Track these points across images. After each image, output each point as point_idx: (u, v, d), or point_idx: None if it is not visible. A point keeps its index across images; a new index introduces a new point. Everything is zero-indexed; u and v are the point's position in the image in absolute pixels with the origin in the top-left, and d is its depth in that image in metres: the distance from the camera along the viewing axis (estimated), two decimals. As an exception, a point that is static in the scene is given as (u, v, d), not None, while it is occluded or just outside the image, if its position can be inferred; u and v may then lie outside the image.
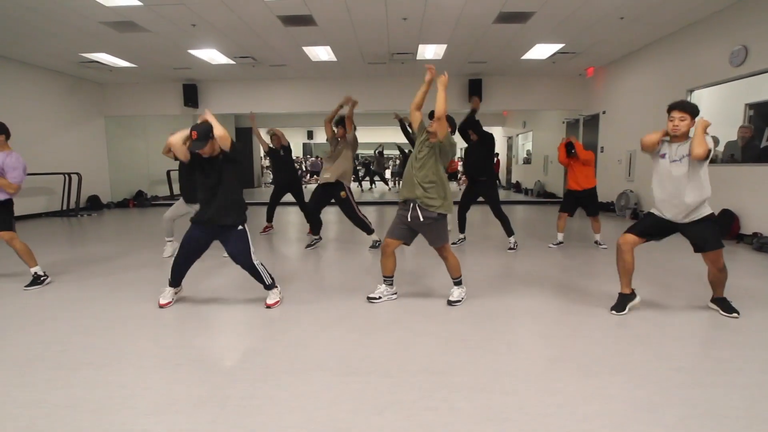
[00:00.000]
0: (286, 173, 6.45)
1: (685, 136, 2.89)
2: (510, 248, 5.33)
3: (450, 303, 3.29)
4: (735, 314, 2.97)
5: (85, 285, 3.96)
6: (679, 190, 2.85)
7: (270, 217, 6.79)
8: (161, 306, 3.26)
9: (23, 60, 8.68)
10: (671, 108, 2.89)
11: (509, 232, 5.36)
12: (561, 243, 5.60)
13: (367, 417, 1.86)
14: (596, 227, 5.59)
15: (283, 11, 6.31)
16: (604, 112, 9.81)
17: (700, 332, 2.86)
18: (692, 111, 2.81)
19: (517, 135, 16.93)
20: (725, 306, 3.04)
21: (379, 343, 2.65)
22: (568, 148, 5.43)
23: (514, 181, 17.06)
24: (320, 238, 5.76)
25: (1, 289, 3.84)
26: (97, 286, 3.91)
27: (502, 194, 15.42)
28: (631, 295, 3.11)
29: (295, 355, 2.49)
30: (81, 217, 9.47)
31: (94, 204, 10.67)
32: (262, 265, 3.26)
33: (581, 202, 5.51)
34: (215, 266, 4.50)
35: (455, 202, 4.12)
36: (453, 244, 5.18)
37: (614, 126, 9.39)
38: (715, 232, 2.91)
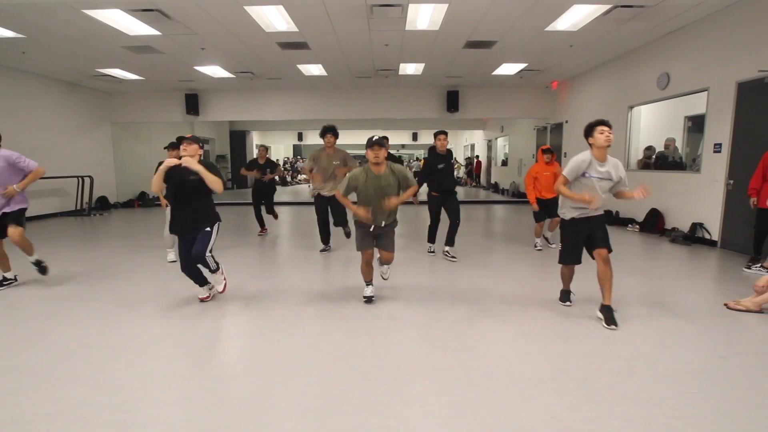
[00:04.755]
0: (266, 183, 7.20)
1: (606, 155, 3.28)
2: (452, 257, 5.46)
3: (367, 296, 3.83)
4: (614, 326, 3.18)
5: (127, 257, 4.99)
6: (599, 199, 3.26)
7: (262, 223, 7.46)
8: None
9: (42, 74, 9.56)
10: (600, 123, 3.23)
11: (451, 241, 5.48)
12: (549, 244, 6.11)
13: (357, 337, 2.95)
14: (553, 226, 6.02)
15: (282, 39, 7.35)
16: (566, 122, 11.01)
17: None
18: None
19: (496, 138, 18.12)
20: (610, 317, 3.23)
21: (358, 302, 3.74)
22: (547, 151, 5.86)
23: (493, 181, 18.23)
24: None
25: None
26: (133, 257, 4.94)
27: (483, 194, 16.67)
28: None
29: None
30: (93, 216, 10.38)
31: (103, 204, 11.58)
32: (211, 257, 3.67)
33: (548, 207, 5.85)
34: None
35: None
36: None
37: (575, 134, 10.59)
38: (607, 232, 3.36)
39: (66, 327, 3.25)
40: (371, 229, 3.64)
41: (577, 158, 3.29)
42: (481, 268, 5.01)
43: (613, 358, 2.69)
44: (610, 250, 3.29)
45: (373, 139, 3.48)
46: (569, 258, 3.48)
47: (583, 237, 3.39)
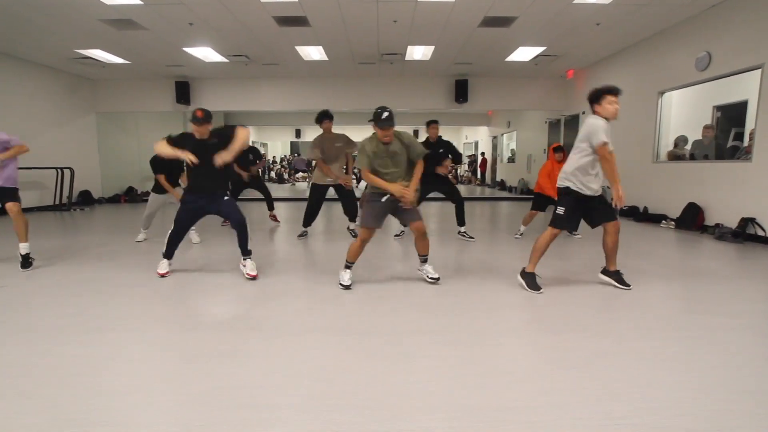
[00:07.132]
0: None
1: None
2: (469, 237, 5.70)
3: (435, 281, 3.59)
4: (628, 287, 3.35)
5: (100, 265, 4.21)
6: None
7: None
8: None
9: (16, 55, 8.77)
10: (612, 92, 3.22)
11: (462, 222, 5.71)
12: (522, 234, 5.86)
13: (360, 361, 2.19)
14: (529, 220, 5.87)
15: (279, 12, 6.59)
16: (583, 113, 10.28)
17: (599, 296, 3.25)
18: None
19: (502, 134, 17.41)
20: (619, 279, 3.38)
21: (372, 310, 2.98)
22: (558, 149, 5.58)
23: (499, 179, 17.53)
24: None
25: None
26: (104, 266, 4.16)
27: (488, 192, 15.98)
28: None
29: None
30: (73, 211, 9.59)
31: (86, 199, 10.77)
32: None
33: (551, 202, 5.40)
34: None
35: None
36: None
37: (593, 126, 9.87)
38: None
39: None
40: (383, 199, 3.40)
41: (599, 122, 3.21)
42: (506, 266, 4.26)
43: (736, 392, 1.94)
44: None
45: (383, 116, 3.25)
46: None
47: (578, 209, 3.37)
